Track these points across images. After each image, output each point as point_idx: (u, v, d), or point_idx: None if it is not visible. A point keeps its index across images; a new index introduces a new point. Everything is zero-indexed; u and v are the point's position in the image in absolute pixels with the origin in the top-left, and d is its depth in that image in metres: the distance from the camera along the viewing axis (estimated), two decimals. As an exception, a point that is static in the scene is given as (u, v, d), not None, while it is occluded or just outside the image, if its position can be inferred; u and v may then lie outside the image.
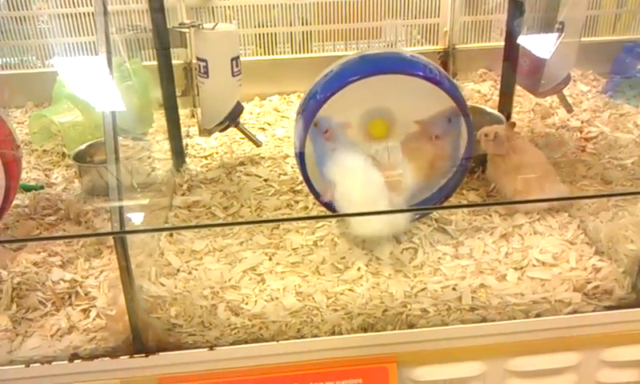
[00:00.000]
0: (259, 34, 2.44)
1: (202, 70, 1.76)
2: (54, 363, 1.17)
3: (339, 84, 1.37)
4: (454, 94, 1.38)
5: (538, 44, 1.81)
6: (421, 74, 1.36)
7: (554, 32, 1.79)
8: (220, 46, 1.75)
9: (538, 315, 1.26)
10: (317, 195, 1.47)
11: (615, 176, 1.72)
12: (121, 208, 1.12)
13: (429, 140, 1.41)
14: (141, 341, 1.18)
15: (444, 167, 1.46)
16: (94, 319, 1.27)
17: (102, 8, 1.19)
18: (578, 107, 2.18)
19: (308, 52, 2.48)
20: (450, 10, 2.43)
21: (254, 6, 2.38)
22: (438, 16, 2.46)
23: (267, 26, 2.43)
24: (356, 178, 1.37)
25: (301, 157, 1.43)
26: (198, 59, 1.76)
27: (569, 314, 1.27)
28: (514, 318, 1.26)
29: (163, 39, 1.72)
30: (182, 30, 1.79)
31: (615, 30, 2.57)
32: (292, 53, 2.48)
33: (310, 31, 2.45)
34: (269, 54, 2.47)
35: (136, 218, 1.29)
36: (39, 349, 1.20)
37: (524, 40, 1.80)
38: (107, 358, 1.18)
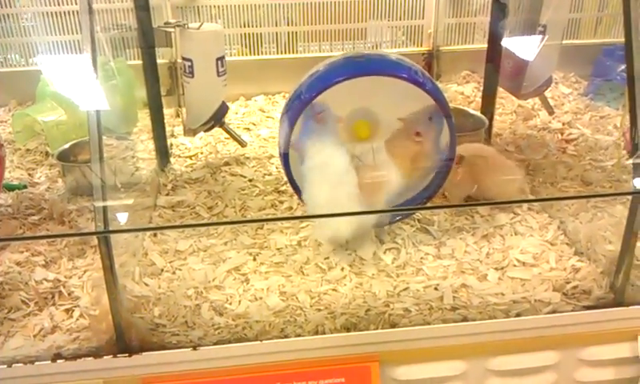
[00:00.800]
0: (245, 34, 2.44)
1: (187, 70, 1.76)
2: (36, 363, 1.16)
3: (324, 85, 1.38)
4: (437, 95, 1.40)
5: (520, 46, 1.84)
6: (404, 75, 1.37)
7: (537, 35, 1.81)
8: (205, 46, 1.75)
9: (518, 315, 1.28)
10: (300, 194, 1.48)
11: (595, 177, 1.75)
12: (105, 208, 1.12)
13: (410, 137, 1.42)
14: (124, 341, 1.18)
15: (425, 165, 1.46)
16: (77, 319, 1.27)
17: (87, 6, 1.19)
18: (559, 109, 2.21)
19: (293, 52, 2.49)
20: (435, 12, 2.45)
21: (239, 5, 2.38)
22: (423, 18, 2.48)
23: (253, 26, 2.44)
24: (326, 179, 1.36)
25: (285, 157, 1.44)
26: (184, 59, 1.76)
27: (548, 313, 1.29)
28: (495, 318, 1.27)
29: (148, 38, 1.72)
30: (168, 29, 1.79)
31: (596, 33, 2.61)
32: (277, 53, 2.49)
33: (296, 32, 2.46)
34: (254, 54, 2.48)
35: (120, 218, 1.30)
36: (22, 349, 1.20)
37: (507, 42, 1.82)
38: (90, 358, 1.17)
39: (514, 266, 1.40)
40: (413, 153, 1.43)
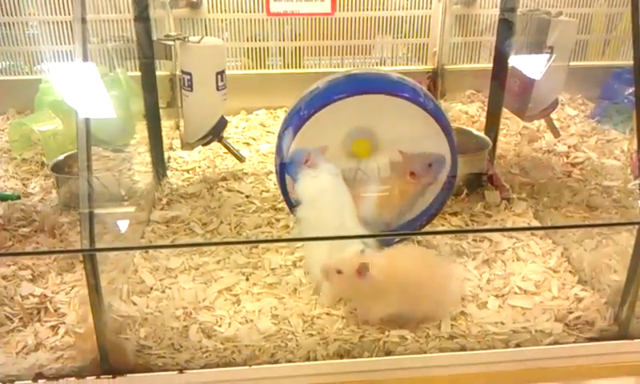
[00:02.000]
0: (250, 48, 2.42)
1: (186, 84, 1.74)
2: (17, 383, 1.12)
3: (324, 101, 1.35)
4: (438, 116, 1.36)
5: (526, 67, 1.81)
6: (406, 95, 1.35)
7: (543, 55, 1.78)
8: (205, 60, 1.73)
9: (517, 345, 1.23)
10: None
11: (601, 203, 1.71)
12: (91, 223, 1.08)
13: (404, 174, 1.39)
14: (108, 362, 1.14)
15: (403, 205, 1.43)
16: (62, 336, 1.23)
17: (80, 15, 1.16)
18: (565, 131, 2.17)
19: (299, 67, 2.47)
20: (440, 31, 2.43)
21: (245, 19, 2.36)
22: (428, 36, 2.46)
23: (258, 40, 2.42)
24: (322, 207, 1.33)
25: (281, 174, 1.40)
26: (183, 72, 1.74)
27: (549, 344, 1.24)
28: (494, 348, 1.23)
29: (146, 50, 1.70)
30: (168, 42, 1.76)
31: (604, 54, 2.58)
32: (282, 68, 2.47)
33: (300, 47, 2.44)
34: (260, 68, 2.45)
35: (111, 233, 1.26)
36: (3, 366, 1.16)
37: (513, 62, 1.79)
38: (73, 379, 1.14)
39: (515, 293, 1.35)
40: (401, 188, 1.40)
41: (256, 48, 2.42)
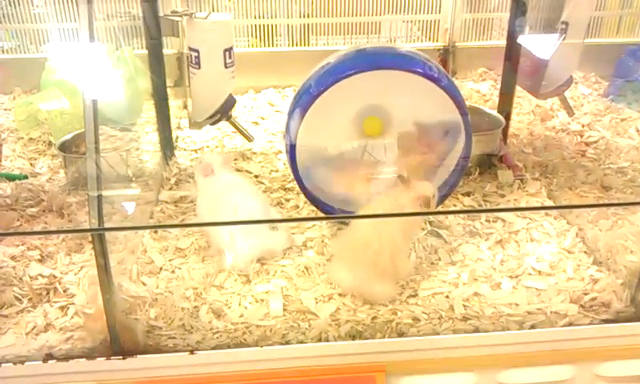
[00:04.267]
0: (257, 25, 2.39)
1: (193, 61, 1.71)
2: (27, 363, 1.12)
3: (334, 78, 1.32)
4: (453, 92, 1.33)
5: (540, 44, 1.76)
6: (419, 70, 1.31)
7: (558, 32, 1.74)
8: (212, 36, 1.69)
9: (532, 327, 1.22)
10: (306, 192, 1.43)
11: (615, 182, 1.68)
12: (100, 203, 1.06)
13: (419, 145, 1.36)
14: (118, 342, 1.13)
15: (426, 174, 1.40)
16: (71, 317, 1.22)
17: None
18: (578, 110, 2.13)
19: (306, 45, 2.43)
20: (452, 7, 2.38)
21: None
22: (439, 12, 2.41)
23: (266, 17, 2.38)
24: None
25: (292, 153, 1.38)
26: (190, 49, 1.71)
27: (564, 326, 1.22)
28: (508, 329, 1.21)
29: (154, 27, 1.66)
30: (174, 18, 1.73)
31: (619, 31, 2.52)
32: (290, 45, 2.43)
33: (309, 24, 2.40)
34: (267, 46, 2.42)
35: (120, 213, 1.25)
36: (13, 347, 1.15)
37: (526, 40, 1.75)
38: (83, 360, 1.13)
39: (530, 274, 1.33)
40: (416, 161, 1.37)
41: (263, 25, 2.38)
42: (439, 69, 1.36)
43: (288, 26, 2.41)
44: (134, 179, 1.64)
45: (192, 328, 1.18)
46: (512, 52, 1.78)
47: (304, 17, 2.40)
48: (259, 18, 2.38)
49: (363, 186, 1.41)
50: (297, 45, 2.44)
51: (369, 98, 1.37)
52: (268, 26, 2.40)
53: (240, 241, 1.33)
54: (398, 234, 1.26)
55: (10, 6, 2.28)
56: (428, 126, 1.36)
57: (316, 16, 2.39)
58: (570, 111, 1.95)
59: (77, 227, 1.49)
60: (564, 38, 1.73)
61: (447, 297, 1.26)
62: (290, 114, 1.42)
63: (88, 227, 1.08)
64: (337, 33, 2.43)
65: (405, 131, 1.38)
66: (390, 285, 1.26)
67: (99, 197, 1.05)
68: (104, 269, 1.08)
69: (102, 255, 1.07)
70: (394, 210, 1.26)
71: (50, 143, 1.90)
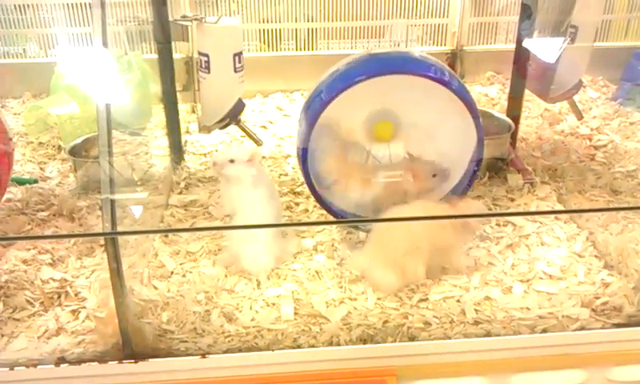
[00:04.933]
0: (264, 30, 2.39)
1: (203, 65, 1.71)
2: (39, 367, 1.12)
3: (345, 84, 1.33)
4: (464, 95, 1.33)
5: (549, 48, 1.76)
6: (430, 74, 1.31)
7: (567, 36, 1.74)
8: (222, 41, 1.69)
9: (544, 331, 1.21)
10: (317, 196, 1.43)
11: (624, 186, 1.67)
12: (113, 207, 1.07)
13: (408, 172, 1.38)
14: (130, 346, 1.14)
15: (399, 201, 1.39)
16: (83, 321, 1.23)
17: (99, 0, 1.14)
18: (587, 114, 2.13)
19: (313, 49, 2.44)
20: (460, 10, 2.38)
21: (259, 1, 2.33)
22: (447, 16, 2.41)
23: (272, 22, 2.38)
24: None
25: (303, 157, 1.38)
26: (200, 54, 1.71)
27: (576, 330, 1.22)
28: (519, 333, 1.21)
29: (164, 32, 1.68)
30: (184, 22, 1.74)
31: (627, 35, 2.52)
32: (297, 50, 2.43)
33: (316, 28, 2.40)
34: (274, 50, 2.42)
35: (131, 217, 1.25)
36: (25, 351, 1.15)
37: (535, 43, 1.75)
38: (95, 363, 1.13)
39: (541, 278, 1.33)
40: (403, 185, 1.39)
41: (270, 29, 2.39)
42: (450, 72, 1.36)
43: (295, 30, 2.41)
44: (142, 183, 1.64)
45: (204, 332, 1.18)
46: (521, 55, 1.78)
47: (310, 21, 2.40)
48: (266, 22, 2.39)
49: (372, 190, 1.41)
50: (303, 49, 2.44)
51: (380, 103, 1.37)
52: (274, 30, 2.40)
53: (258, 245, 1.33)
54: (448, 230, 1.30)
55: (18, 11, 2.29)
56: (420, 161, 1.38)
57: (322, 20, 2.40)
58: (578, 115, 1.94)
59: (88, 231, 1.49)
60: (573, 42, 1.73)
61: (458, 301, 1.26)
62: (302, 119, 1.42)
63: (100, 231, 1.08)
64: (344, 37, 2.43)
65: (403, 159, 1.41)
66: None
67: (112, 201, 1.05)
68: (116, 272, 1.08)
69: (114, 259, 1.07)
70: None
71: (60, 147, 1.91)
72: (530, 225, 1.50)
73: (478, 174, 1.43)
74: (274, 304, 1.25)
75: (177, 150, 1.82)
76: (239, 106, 1.79)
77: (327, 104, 1.32)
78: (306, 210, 1.57)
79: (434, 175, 1.38)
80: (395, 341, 1.19)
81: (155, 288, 1.28)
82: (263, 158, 1.86)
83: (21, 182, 1.70)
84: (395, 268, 1.28)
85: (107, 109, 1.09)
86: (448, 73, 1.34)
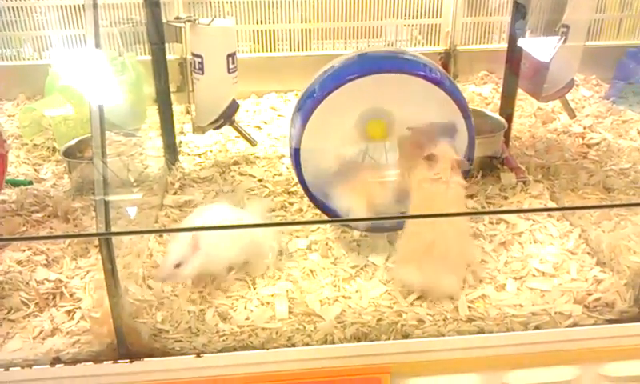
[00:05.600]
0: (258, 31, 2.40)
1: (197, 66, 1.72)
2: (35, 367, 1.12)
3: (337, 82, 1.33)
4: (455, 94, 1.34)
5: (541, 47, 1.77)
6: (421, 73, 1.32)
7: (559, 35, 1.75)
8: (216, 42, 1.70)
9: (537, 327, 1.22)
10: (311, 196, 1.43)
11: (617, 184, 1.68)
12: (107, 208, 1.07)
13: (415, 148, 1.36)
14: (125, 346, 1.14)
15: None
16: (78, 321, 1.23)
17: (92, 1, 1.14)
18: (580, 112, 2.14)
19: (307, 50, 2.44)
20: (453, 10, 2.39)
21: (252, 2, 2.33)
22: (440, 16, 2.42)
23: (266, 23, 2.39)
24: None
25: (296, 157, 1.39)
26: (194, 55, 1.72)
27: (569, 326, 1.23)
28: (513, 330, 1.22)
29: (158, 33, 1.68)
30: (178, 24, 1.74)
31: (619, 34, 2.53)
32: (290, 50, 2.44)
33: (310, 29, 2.41)
34: (268, 51, 2.43)
35: (125, 218, 1.25)
36: (20, 351, 1.16)
37: (528, 42, 1.76)
38: (90, 363, 1.13)
39: (534, 275, 1.34)
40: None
41: (264, 30, 2.39)
42: (441, 71, 1.37)
43: (288, 30, 2.42)
44: (137, 184, 1.65)
45: (198, 331, 1.18)
46: (513, 55, 1.79)
47: (304, 22, 2.41)
48: (259, 23, 2.39)
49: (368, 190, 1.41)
50: (298, 50, 2.45)
51: (372, 102, 1.38)
52: (268, 31, 2.41)
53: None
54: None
55: (12, 13, 2.29)
56: (423, 129, 1.35)
57: (316, 21, 2.40)
58: (571, 113, 1.96)
59: (83, 232, 1.49)
60: (565, 41, 1.74)
61: (452, 298, 1.26)
62: (294, 118, 1.42)
63: (95, 232, 1.09)
64: (337, 37, 2.44)
65: (402, 136, 1.39)
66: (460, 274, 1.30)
67: (106, 202, 1.06)
68: (111, 273, 1.08)
69: (109, 259, 1.08)
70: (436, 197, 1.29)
71: (54, 149, 1.91)
72: (523, 222, 1.51)
73: (470, 172, 1.43)
74: (268, 303, 1.26)
75: (171, 150, 1.82)
76: (233, 107, 1.80)
77: (320, 102, 1.32)
78: (300, 210, 1.57)
79: (442, 134, 1.35)
80: (389, 338, 1.19)
81: (150, 288, 1.29)
82: (257, 158, 1.87)
83: (15, 184, 1.70)
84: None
85: (100, 110, 1.09)
86: (440, 72, 1.35)
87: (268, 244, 1.37)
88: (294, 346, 1.18)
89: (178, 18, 1.78)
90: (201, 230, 1.25)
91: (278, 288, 1.29)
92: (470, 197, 1.62)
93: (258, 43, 2.42)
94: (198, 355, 1.14)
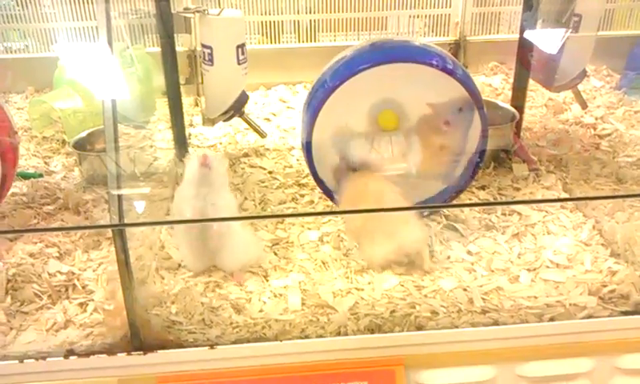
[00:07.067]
0: (265, 22, 2.38)
1: (206, 58, 1.71)
2: (48, 359, 1.12)
3: (349, 72, 1.32)
4: (468, 84, 1.33)
5: (553, 37, 1.76)
6: (434, 63, 1.31)
7: (571, 25, 1.73)
8: (225, 33, 1.70)
9: (551, 319, 1.21)
10: (323, 188, 1.43)
11: (630, 175, 1.67)
12: (120, 199, 1.07)
13: (438, 126, 1.36)
14: (139, 338, 1.14)
15: (450, 156, 1.40)
16: (91, 314, 1.23)
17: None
18: (591, 103, 2.12)
19: (314, 41, 2.43)
20: (462, 1, 2.37)
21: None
22: (450, 7, 2.40)
23: (273, 14, 2.38)
24: None
25: (308, 148, 1.38)
26: (203, 46, 1.71)
27: (583, 318, 1.22)
28: (527, 322, 1.21)
29: (167, 25, 1.67)
30: (187, 15, 1.73)
31: (630, 24, 2.51)
32: (298, 42, 2.43)
33: (317, 20, 2.40)
34: (274, 43, 2.42)
35: (136, 210, 1.25)
36: (34, 344, 1.16)
37: (539, 33, 1.74)
38: (104, 355, 1.13)
39: (547, 267, 1.33)
40: (439, 142, 1.37)
41: (270, 22, 2.38)
42: (454, 61, 1.36)
43: (296, 22, 2.40)
44: (147, 176, 1.64)
45: (212, 323, 1.18)
46: (525, 44, 1.77)
47: (311, 13, 2.39)
48: (266, 14, 2.38)
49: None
50: (305, 41, 2.43)
51: (384, 92, 1.37)
52: (275, 22, 2.39)
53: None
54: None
55: (20, 6, 2.29)
56: (442, 105, 1.35)
57: (324, 12, 2.39)
58: (583, 104, 1.94)
59: (95, 224, 1.49)
60: (577, 31, 1.72)
61: (465, 290, 1.26)
62: (306, 108, 1.42)
63: (108, 223, 1.08)
64: (345, 29, 2.43)
65: (422, 116, 1.38)
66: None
67: (120, 191, 1.05)
68: (125, 264, 1.08)
69: (122, 251, 1.08)
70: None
71: (64, 141, 1.91)
72: (535, 214, 1.50)
73: (481, 164, 1.42)
74: (281, 295, 1.25)
75: (181, 143, 1.82)
76: (243, 98, 1.79)
77: (331, 92, 1.32)
78: (312, 202, 1.57)
79: (460, 109, 1.35)
80: (403, 330, 1.19)
81: (162, 279, 1.29)
82: (267, 150, 1.86)
83: (26, 176, 1.70)
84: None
85: (113, 103, 1.09)
86: (452, 61, 1.34)
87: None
88: (307, 337, 1.17)
89: (187, 8, 1.77)
90: (213, 221, 1.25)
91: (291, 280, 1.29)
92: (482, 188, 1.61)
93: (265, 35, 2.41)
94: (212, 347, 1.14)
